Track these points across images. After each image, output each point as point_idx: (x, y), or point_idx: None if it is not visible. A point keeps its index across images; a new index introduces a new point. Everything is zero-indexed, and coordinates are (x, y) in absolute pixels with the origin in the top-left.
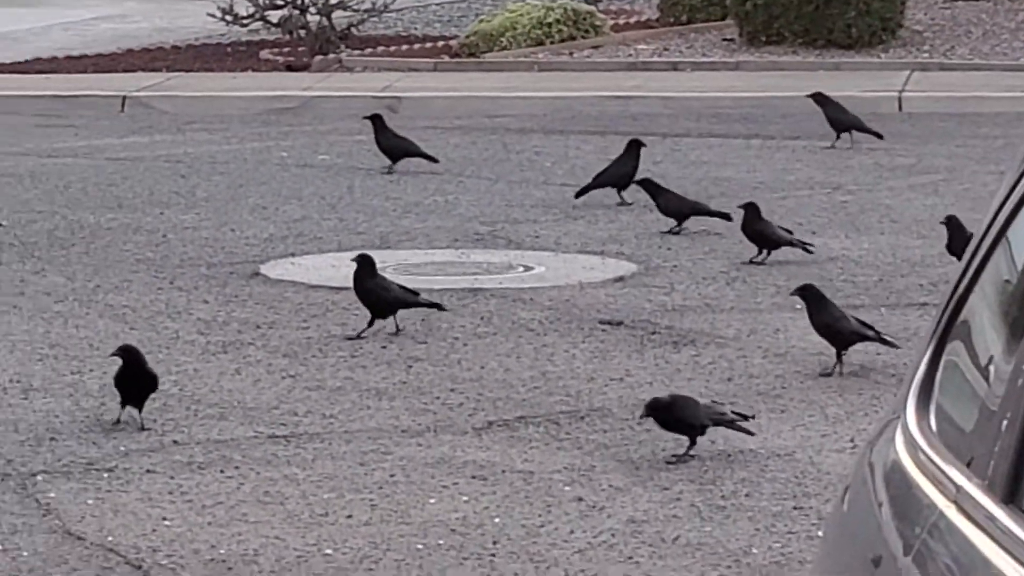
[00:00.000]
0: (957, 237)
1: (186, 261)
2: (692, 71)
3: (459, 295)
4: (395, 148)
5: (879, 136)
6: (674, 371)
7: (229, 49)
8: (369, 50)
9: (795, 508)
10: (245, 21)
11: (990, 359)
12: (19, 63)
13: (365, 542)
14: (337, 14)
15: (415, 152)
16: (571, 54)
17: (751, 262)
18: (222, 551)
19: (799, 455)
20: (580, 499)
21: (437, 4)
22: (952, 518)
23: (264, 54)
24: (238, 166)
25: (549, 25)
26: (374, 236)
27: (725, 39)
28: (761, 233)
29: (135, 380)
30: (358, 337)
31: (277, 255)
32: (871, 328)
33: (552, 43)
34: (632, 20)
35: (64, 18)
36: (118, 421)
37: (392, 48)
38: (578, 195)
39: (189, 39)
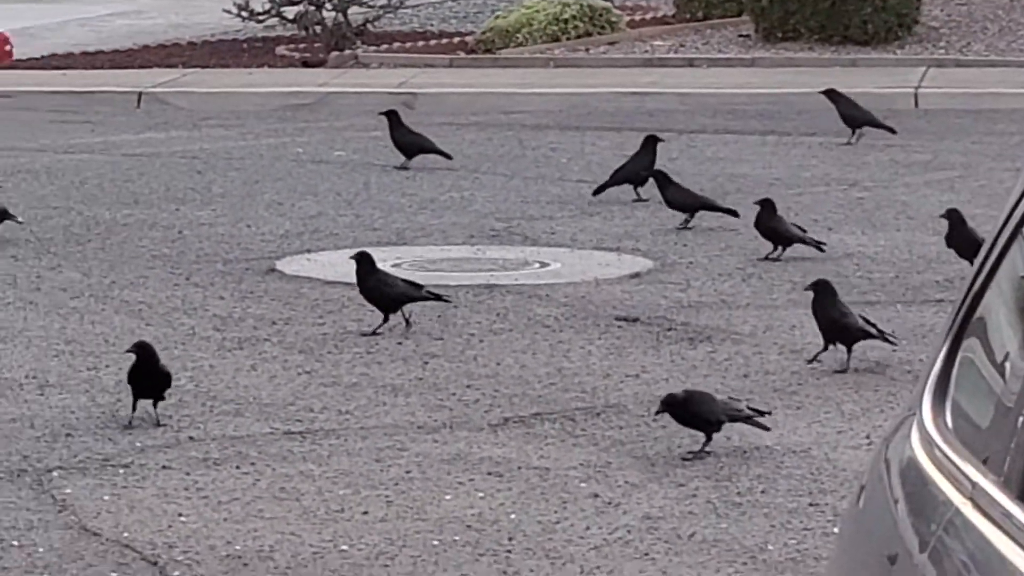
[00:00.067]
0: (957, 232)
1: (202, 257)
2: (708, 67)
3: (475, 291)
4: (410, 144)
5: (892, 131)
6: (690, 367)
7: (245, 45)
8: (385, 46)
9: (811, 504)
10: (261, 17)
11: (1006, 356)
12: (35, 59)
13: (381, 538)
14: (353, 10)
15: (430, 148)
16: (587, 50)
17: (767, 258)
18: (238, 547)
19: (815, 452)
20: (596, 495)
21: (453, 0)
22: (968, 515)
23: (280, 50)
24: (254, 162)
25: (565, 21)
26: (390, 232)
27: (741, 35)
28: (774, 230)
29: (148, 376)
30: (373, 333)
31: (293, 251)
32: (874, 326)
33: (568, 39)
34: (648, 16)
35: (80, 14)
36: (130, 422)
37: (408, 44)
38: (596, 192)
39: (205, 35)
